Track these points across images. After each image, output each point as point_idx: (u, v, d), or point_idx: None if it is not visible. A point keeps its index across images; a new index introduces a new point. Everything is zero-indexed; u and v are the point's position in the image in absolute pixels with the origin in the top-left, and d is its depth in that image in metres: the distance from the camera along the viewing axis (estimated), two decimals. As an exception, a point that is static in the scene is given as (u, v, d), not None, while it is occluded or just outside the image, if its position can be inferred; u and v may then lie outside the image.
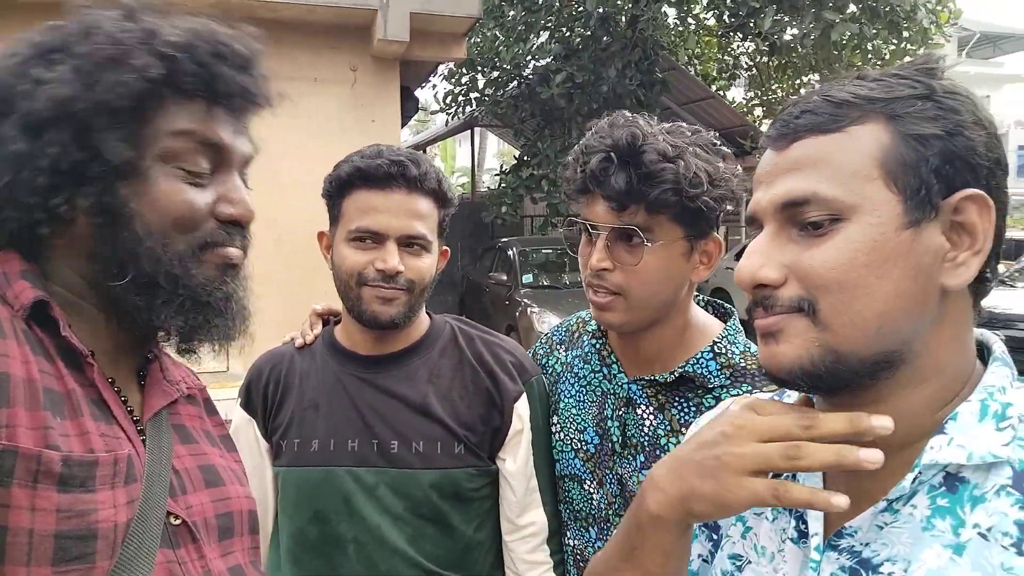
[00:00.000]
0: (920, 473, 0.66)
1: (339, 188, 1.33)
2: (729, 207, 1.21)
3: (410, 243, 1.30)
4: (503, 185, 10.85)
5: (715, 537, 0.88)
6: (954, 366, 0.69)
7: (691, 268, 1.23)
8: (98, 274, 0.76)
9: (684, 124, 1.25)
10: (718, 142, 1.24)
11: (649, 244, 1.16)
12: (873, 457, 0.62)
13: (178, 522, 0.77)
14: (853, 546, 0.69)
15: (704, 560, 0.89)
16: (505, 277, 8.62)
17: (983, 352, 0.73)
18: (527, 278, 8.54)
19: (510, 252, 8.88)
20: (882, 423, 0.63)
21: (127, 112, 0.73)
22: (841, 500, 0.64)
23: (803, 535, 0.74)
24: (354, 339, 1.39)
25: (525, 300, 7.81)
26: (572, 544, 1.36)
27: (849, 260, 0.65)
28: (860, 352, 0.66)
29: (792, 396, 0.85)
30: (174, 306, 0.77)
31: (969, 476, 0.65)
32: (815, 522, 0.73)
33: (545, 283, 8.61)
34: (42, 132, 0.72)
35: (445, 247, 1.42)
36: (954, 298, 0.68)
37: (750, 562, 0.80)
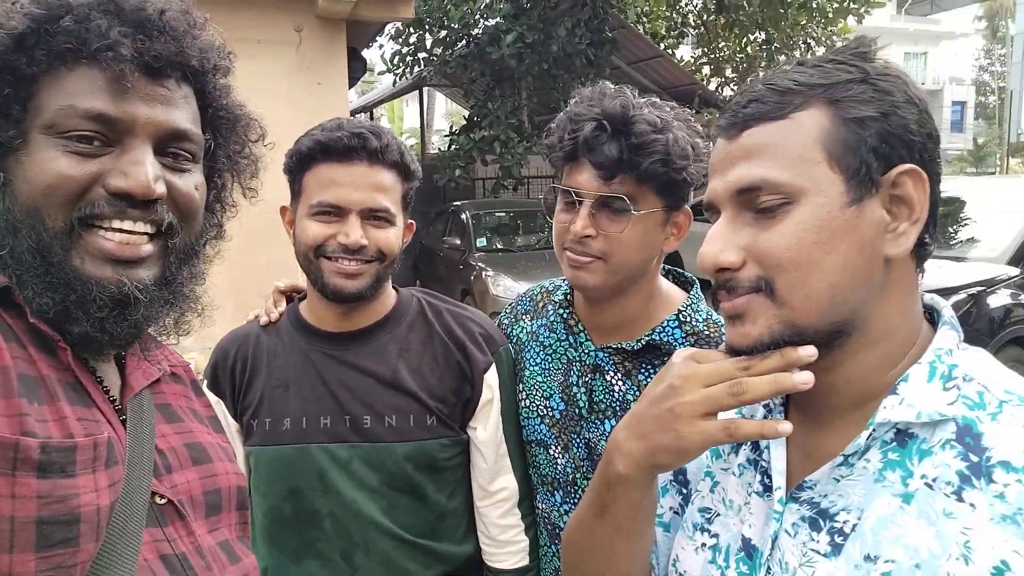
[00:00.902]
0: (874, 430, 0.71)
1: (300, 163, 1.31)
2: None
3: (373, 216, 1.29)
4: (454, 147, 10.72)
5: (684, 491, 0.93)
6: (902, 329, 0.74)
7: (663, 239, 1.27)
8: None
9: (658, 99, 1.28)
10: (692, 119, 1.27)
11: (635, 213, 1.19)
12: (806, 378, 0.70)
13: (163, 501, 0.77)
14: (812, 498, 0.75)
15: (675, 512, 0.94)
16: (459, 241, 8.59)
17: (932, 316, 0.79)
18: (481, 242, 8.53)
19: (463, 216, 8.83)
20: (807, 352, 0.71)
21: None
22: (786, 426, 0.71)
23: (768, 489, 0.79)
24: (321, 316, 1.38)
25: (480, 264, 7.81)
26: (540, 508, 1.41)
27: (799, 239, 0.70)
28: (815, 324, 0.71)
29: None
30: (41, 286, 0.71)
31: (917, 432, 0.71)
32: (778, 476, 0.78)
33: (499, 246, 8.61)
34: None
35: (411, 220, 1.41)
36: (898, 266, 0.73)
37: (719, 514, 0.85)
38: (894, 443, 0.71)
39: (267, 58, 6.01)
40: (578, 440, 1.33)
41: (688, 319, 1.29)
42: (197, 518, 0.81)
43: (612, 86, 1.26)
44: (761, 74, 0.77)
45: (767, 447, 0.81)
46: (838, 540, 0.71)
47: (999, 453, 0.65)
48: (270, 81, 5.98)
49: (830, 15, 10.61)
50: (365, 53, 8.56)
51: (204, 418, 0.93)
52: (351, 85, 7.75)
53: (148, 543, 0.73)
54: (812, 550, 0.73)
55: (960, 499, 0.66)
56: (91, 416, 0.73)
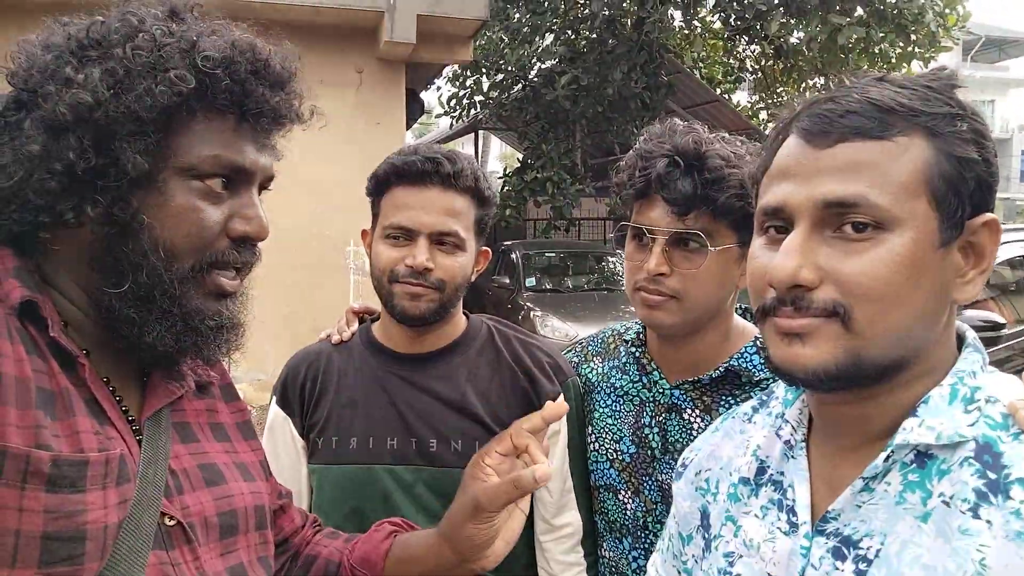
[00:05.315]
0: (893, 452, 0.70)
1: (378, 187, 1.35)
2: None
3: (442, 240, 1.29)
4: (507, 188, 10.84)
5: (707, 536, 0.90)
6: (943, 363, 0.73)
7: (739, 274, 1.23)
8: (97, 281, 0.74)
9: (727, 135, 1.25)
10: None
11: (712, 249, 1.17)
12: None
13: (173, 523, 0.76)
14: (837, 528, 0.73)
15: (696, 561, 0.92)
16: (508, 280, 8.62)
17: (959, 341, 0.77)
18: (530, 281, 8.54)
19: (513, 255, 8.87)
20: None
21: (153, 123, 0.72)
22: None
23: (795, 526, 0.77)
24: (393, 337, 1.38)
25: (528, 304, 7.79)
26: (608, 556, 1.36)
27: (892, 273, 0.66)
28: (879, 358, 0.68)
29: (778, 399, 0.87)
30: (166, 324, 0.75)
31: (937, 452, 0.69)
32: (803, 511, 0.76)
33: (548, 286, 8.61)
34: (61, 135, 0.70)
35: (485, 248, 1.41)
36: (952, 308, 0.72)
37: (741, 556, 0.82)
38: (914, 465, 0.70)
39: (328, 98, 6.12)
40: (650, 482, 1.28)
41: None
42: (209, 541, 0.79)
43: (681, 123, 1.25)
44: (847, 81, 0.72)
45: (791, 485, 0.79)
46: (862, 567, 0.69)
47: (1018, 471, 0.64)
48: (330, 121, 6.14)
49: (893, 60, 10.42)
50: (423, 95, 8.79)
51: (230, 427, 0.92)
52: (408, 126, 7.95)
53: (154, 565, 0.72)
54: None
55: (976, 516, 0.64)
56: (106, 433, 0.72)
